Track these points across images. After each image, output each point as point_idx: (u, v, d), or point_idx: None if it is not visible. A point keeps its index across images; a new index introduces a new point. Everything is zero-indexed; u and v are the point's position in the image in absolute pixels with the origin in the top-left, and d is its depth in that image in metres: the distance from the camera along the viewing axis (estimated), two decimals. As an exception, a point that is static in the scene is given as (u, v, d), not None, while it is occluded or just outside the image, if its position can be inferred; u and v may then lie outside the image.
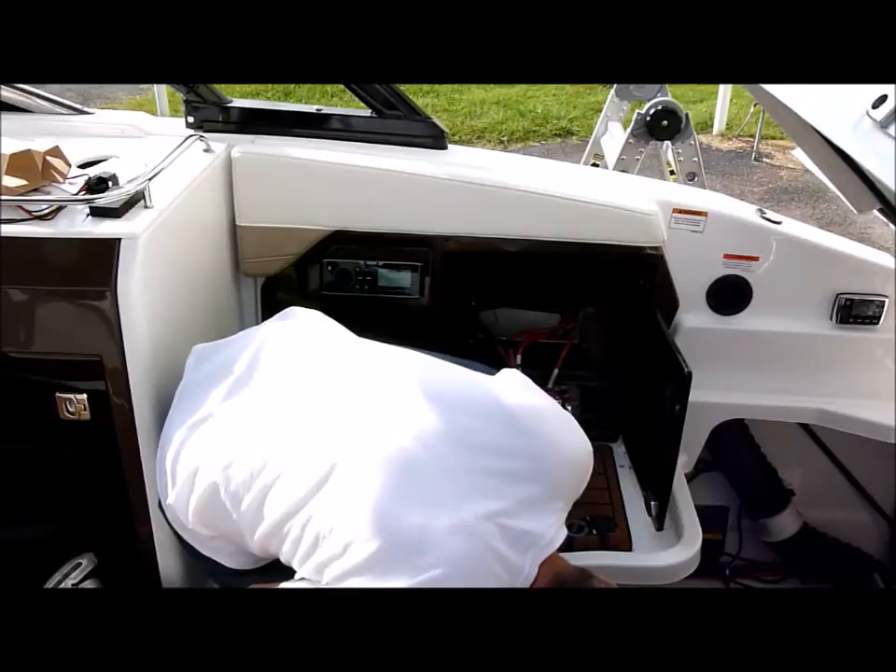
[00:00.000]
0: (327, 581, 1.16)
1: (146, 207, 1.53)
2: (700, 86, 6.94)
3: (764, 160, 6.00)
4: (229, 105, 1.99)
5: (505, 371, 1.39)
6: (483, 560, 1.16)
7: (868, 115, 1.04)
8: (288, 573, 1.27)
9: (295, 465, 1.24)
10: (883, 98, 1.02)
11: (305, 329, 1.52)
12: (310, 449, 1.25)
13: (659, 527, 1.76)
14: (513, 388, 1.33)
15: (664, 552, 1.71)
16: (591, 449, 1.33)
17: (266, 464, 1.25)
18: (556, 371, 2.02)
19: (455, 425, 1.25)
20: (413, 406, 1.28)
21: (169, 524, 1.44)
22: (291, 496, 1.22)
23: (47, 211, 1.49)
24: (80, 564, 1.60)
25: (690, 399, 1.57)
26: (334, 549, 1.16)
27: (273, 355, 1.43)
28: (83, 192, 1.54)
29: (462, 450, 1.22)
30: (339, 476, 1.21)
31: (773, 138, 6.17)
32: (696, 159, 3.77)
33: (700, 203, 1.96)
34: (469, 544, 1.15)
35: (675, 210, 1.92)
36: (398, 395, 1.31)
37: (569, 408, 1.92)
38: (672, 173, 3.97)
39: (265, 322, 1.58)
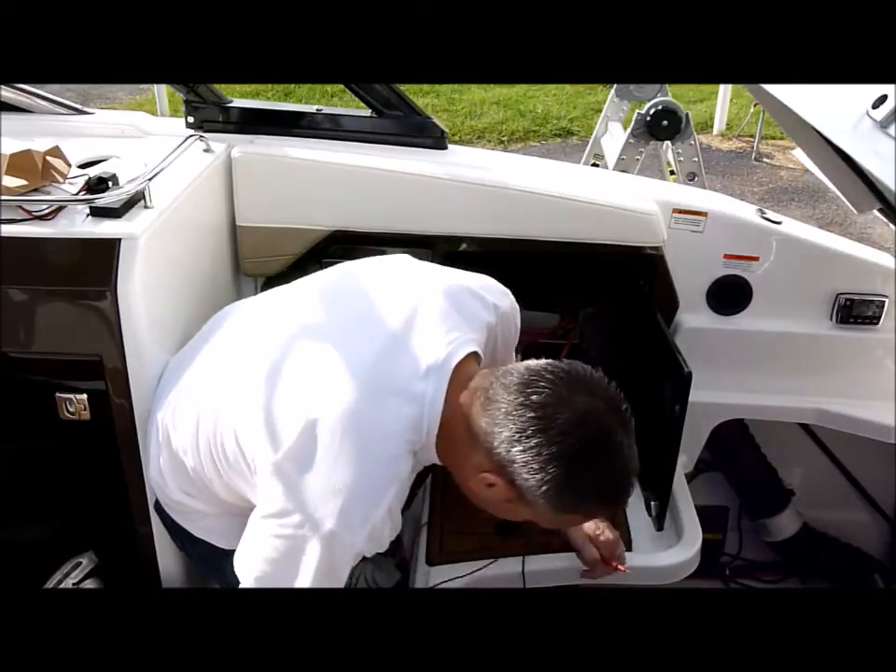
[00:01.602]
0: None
1: (146, 207, 1.53)
2: (700, 86, 6.93)
3: (764, 160, 6.00)
4: (229, 105, 1.99)
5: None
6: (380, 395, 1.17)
7: (868, 115, 1.04)
8: None
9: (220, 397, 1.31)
10: (883, 98, 1.02)
11: (269, 296, 1.55)
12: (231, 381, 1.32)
13: (659, 527, 1.76)
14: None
15: (664, 552, 1.71)
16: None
17: (200, 409, 1.33)
18: (556, 371, 2.02)
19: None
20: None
21: (164, 519, 1.47)
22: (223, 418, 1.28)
23: (47, 211, 1.49)
24: (80, 563, 1.60)
25: (690, 399, 1.57)
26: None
27: (235, 324, 1.48)
28: (83, 192, 1.54)
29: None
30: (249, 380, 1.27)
31: (773, 138, 6.17)
32: (696, 159, 3.77)
33: (700, 202, 1.96)
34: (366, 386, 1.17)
35: (675, 210, 1.92)
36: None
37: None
38: (672, 173, 3.97)
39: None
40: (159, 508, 1.49)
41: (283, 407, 1.19)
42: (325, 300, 1.39)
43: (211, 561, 1.48)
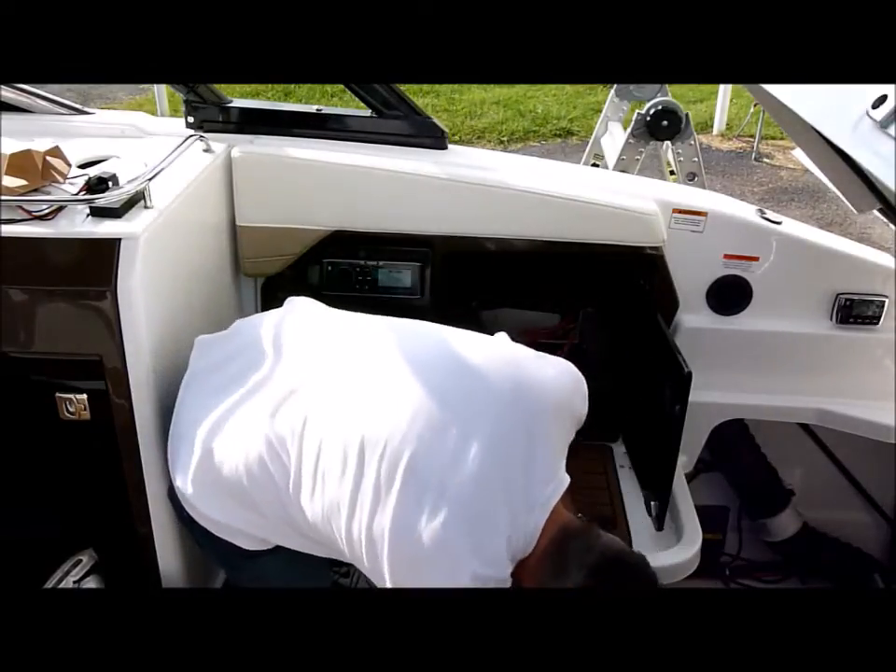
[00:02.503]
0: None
1: (146, 207, 1.53)
2: (700, 86, 6.93)
3: (764, 160, 6.00)
4: (229, 105, 1.99)
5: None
6: (491, 514, 1.21)
7: (868, 115, 1.04)
8: (299, 553, 1.35)
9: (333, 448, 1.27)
10: (883, 98, 1.02)
11: (309, 313, 1.55)
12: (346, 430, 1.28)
13: (659, 527, 1.76)
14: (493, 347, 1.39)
15: (664, 552, 1.71)
16: (576, 374, 1.38)
17: (320, 442, 1.28)
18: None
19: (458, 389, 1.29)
20: (420, 378, 1.31)
21: (177, 509, 1.45)
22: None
23: (47, 211, 1.49)
24: (81, 560, 1.60)
25: (690, 399, 1.57)
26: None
27: (285, 335, 1.46)
28: (83, 192, 1.54)
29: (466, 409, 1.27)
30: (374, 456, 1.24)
31: (773, 138, 6.17)
32: (696, 159, 3.77)
33: (700, 202, 1.96)
34: (483, 498, 1.21)
35: (675, 210, 1.92)
36: (405, 365, 1.34)
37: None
38: (672, 173, 3.97)
39: (266, 312, 1.59)
40: (175, 502, 1.45)
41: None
42: (437, 380, 1.32)
43: (228, 559, 1.48)
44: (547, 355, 1.40)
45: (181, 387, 1.48)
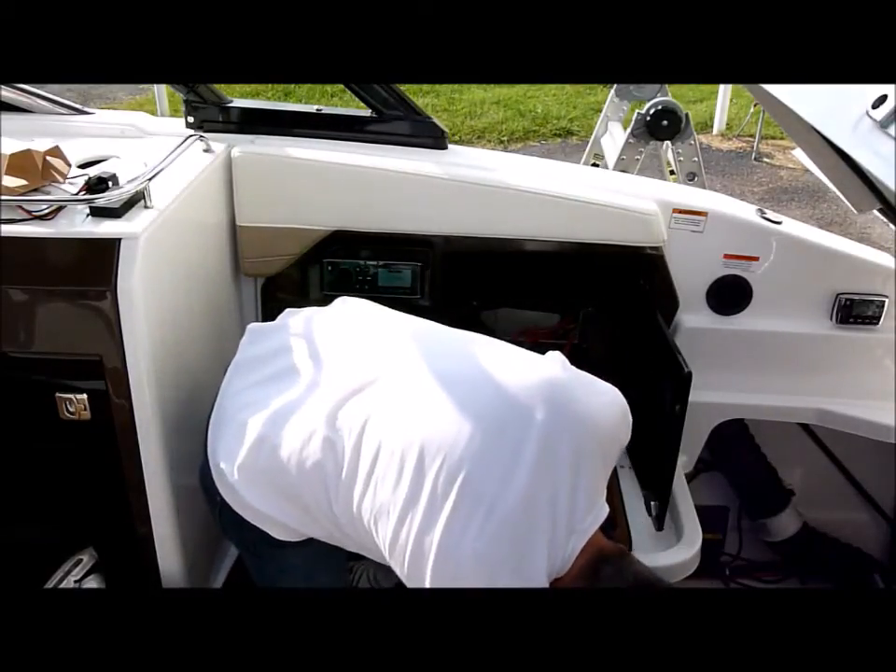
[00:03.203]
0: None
1: (146, 207, 1.53)
2: (700, 86, 6.93)
3: (764, 160, 6.00)
4: (229, 105, 1.99)
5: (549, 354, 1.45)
6: (533, 535, 1.23)
7: (868, 115, 1.04)
8: (325, 546, 1.38)
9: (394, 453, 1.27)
10: (883, 98, 1.02)
11: (364, 313, 1.55)
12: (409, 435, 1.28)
13: (659, 527, 1.76)
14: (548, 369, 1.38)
15: (664, 552, 1.71)
16: (623, 405, 1.37)
17: (378, 445, 1.28)
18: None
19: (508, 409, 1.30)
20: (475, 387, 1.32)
21: (209, 492, 1.43)
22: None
23: (47, 211, 1.49)
24: (81, 560, 1.60)
25: (690, 399, 1.57)
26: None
27: (342, 333, 1.47)
28: (83, 192, 1.54)
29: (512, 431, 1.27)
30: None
31: (773, 138, 6.17)
32: (696, 159, 3.77)
33: (700, 202, 1.96)
34: (528, 519, 1.22)
35: (675, 210, 1.92)
36: (463, 376, 1.35)
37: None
38: (672, 173, 3.97)
39: (317, 308, 1.59)
40: (208, 484, 1.43)
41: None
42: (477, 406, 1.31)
43: (255, 547, 1.47)
44: (597, 380, 1.39)
45: (229, 371, 1.48)
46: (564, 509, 1.25)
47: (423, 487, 1.23)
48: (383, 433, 1.29)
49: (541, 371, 1.37)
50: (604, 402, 1.36)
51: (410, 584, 1.27)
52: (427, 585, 1.23)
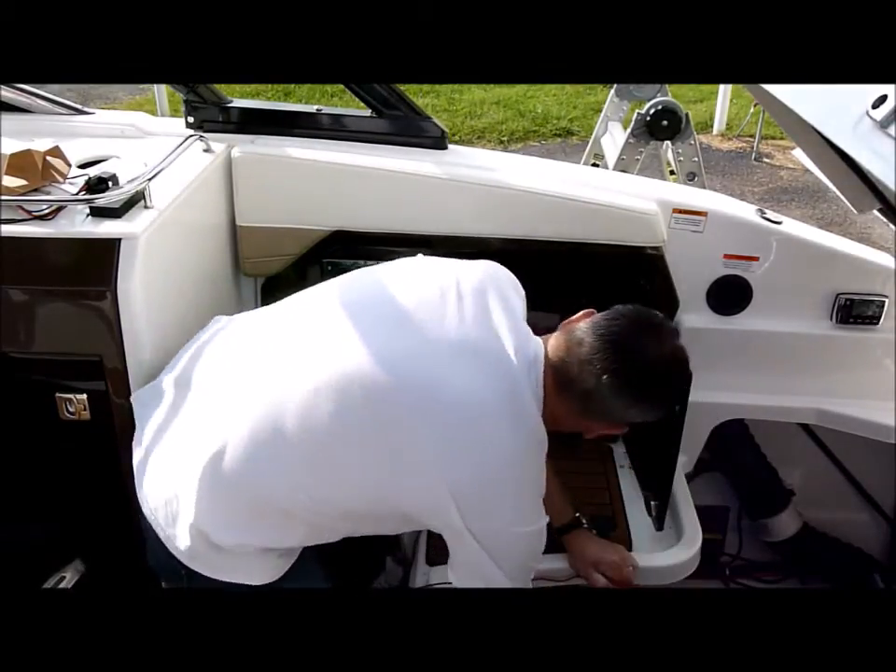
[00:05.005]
0: None
1: (146, 207, 1.53)
2: (700, 86, 6.93)
3: (764, 160, 6.00)
4: (229, 105, 1.99)
5: None
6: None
7: (868, 115, 1.04)
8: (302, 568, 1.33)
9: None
10: (883, 98, 1.02)
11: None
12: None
13: (659, 527, 1.76)
14: None
15: (664, 552, 1.71)
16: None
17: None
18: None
19: None
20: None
21: (171, 577, 1.37)
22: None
23: (47, 211, 1.49)
24: (64, 577, 1.59)
25: (690, 399, 1.57)
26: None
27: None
28: (83, 192, 1.54)
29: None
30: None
31: (773, 138, 6.16)
32: (696, 159, 3.77)
33: (700, 202, 1.96)
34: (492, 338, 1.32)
35: (675, 210, 1.92)
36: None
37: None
38: (672, 173, 3.97)
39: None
40: (164, 563, 1.35)
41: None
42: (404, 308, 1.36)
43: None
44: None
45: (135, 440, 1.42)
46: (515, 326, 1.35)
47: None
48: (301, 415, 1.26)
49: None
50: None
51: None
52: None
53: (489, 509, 1.23)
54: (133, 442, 1.42)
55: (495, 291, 1.39)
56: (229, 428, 1.28)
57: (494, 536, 1.25)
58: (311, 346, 1.32)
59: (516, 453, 1.24)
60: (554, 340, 1.35)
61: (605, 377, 1.24)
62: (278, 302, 1.50)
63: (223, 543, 1.30)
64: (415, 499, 1.26)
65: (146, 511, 1.36)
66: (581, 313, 1.39)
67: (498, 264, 1.49)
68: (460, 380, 1.24)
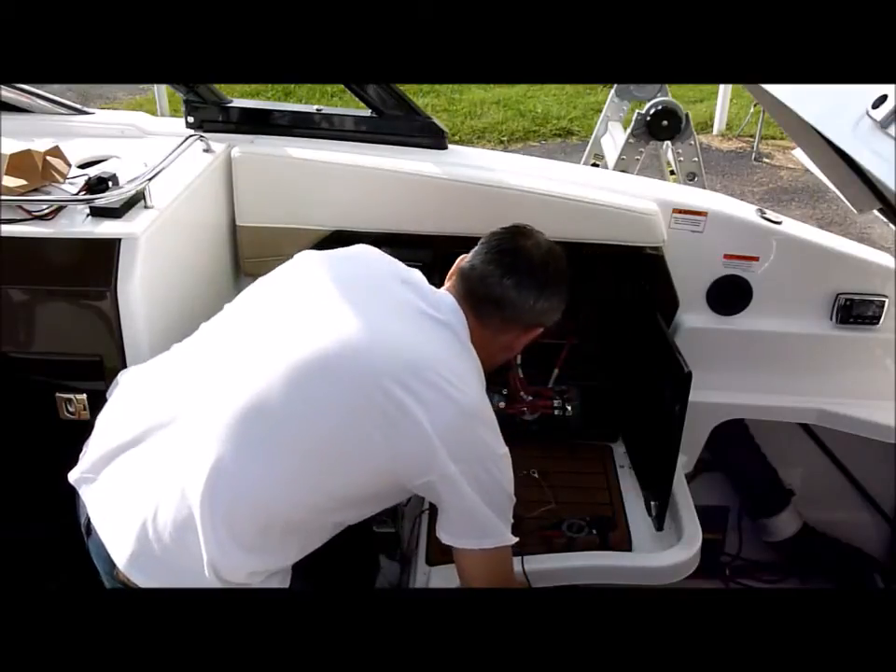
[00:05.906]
0: None
1: (146, 207, 1.53)
2: (700, 86, 6.93)
3: (764, 160, 6.00)
4: (229, 105, 1.99)
5: None
6: None
7: (868, 115, 1.04)
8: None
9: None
10: (883, 98, 1.02)
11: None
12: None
13: (659, 527, 1.76)
14: None
15: (664, 552, 1.71)
16: None
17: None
18: (556, 370, 2.01)
19: None
20: None
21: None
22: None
23: (47, 211, 1.49)
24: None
25: (690, 399, 1.57)
26: None
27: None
28: (83, 192, 1.54)
29: None
30: None
31: (773, 138, 6.17)
32: (696, 159, 3.77)
33: (700, 202, 1.96)
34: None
35: (675, 210, 1.92)
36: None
37: (569, 408, 1.92)
38: (672, 173, 3.97)
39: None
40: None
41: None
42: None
43: None
44: None
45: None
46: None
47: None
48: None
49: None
50: None
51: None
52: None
53: (472, 439, 1.32)
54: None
55: (382, 270, 1.49)
56: (212, 449, 1.25)
57: (481, 469, 1.32)
58: (275, 343, 1.33)
59: (476, 385, 1.38)
60: (452, 283, 1.49)
61: (505, 279, 1.43)
62: (217, 316, 1.46)
63: (232, 578, 1.28)
64: (409, 459, 1.30)
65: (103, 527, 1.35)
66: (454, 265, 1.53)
67: (369, 246, 1.55)
68: (419, 341, 1.36)
